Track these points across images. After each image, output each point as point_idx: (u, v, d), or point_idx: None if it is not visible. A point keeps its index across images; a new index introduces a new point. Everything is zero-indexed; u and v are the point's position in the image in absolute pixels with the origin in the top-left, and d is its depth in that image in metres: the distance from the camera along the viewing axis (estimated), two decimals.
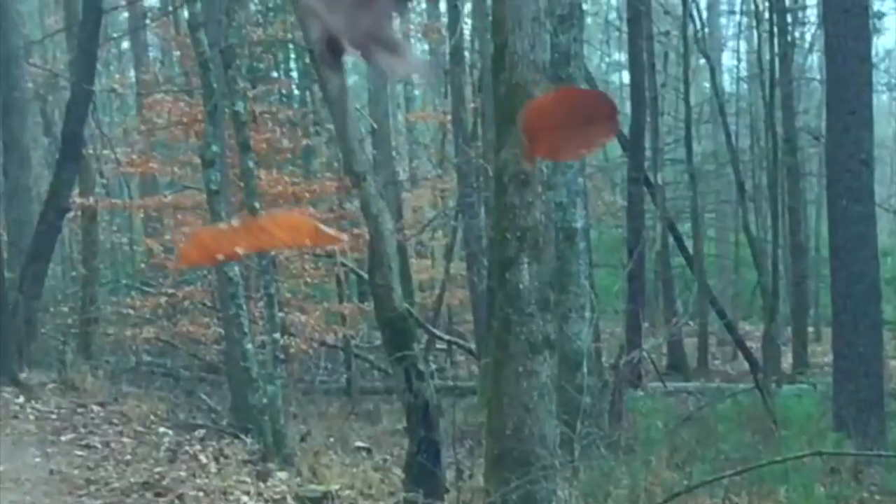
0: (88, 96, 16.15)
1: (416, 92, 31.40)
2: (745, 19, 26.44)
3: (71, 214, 17.51)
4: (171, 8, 20.92)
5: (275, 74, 22.44)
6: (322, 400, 17.45)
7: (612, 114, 1.00)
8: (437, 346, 20.29)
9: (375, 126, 20.40)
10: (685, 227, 22.03)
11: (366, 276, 17.57)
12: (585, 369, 10.23)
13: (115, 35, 24.04)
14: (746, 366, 17.27)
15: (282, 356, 12.64)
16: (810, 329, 22.47)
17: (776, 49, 18.14)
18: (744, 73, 28.55)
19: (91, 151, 19.70)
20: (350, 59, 0.95)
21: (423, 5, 28.34)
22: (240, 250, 1.00)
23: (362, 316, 19.30)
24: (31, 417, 11.24)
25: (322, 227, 1.01)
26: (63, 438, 10.48)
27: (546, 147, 1.02)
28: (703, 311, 21.31)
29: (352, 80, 25.88)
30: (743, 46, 29.14)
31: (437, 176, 25.06)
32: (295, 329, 17.37)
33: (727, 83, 28.42)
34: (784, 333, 20.57)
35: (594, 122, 0.99)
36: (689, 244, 20.10)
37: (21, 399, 11.84)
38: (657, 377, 17.60)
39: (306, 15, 0.95)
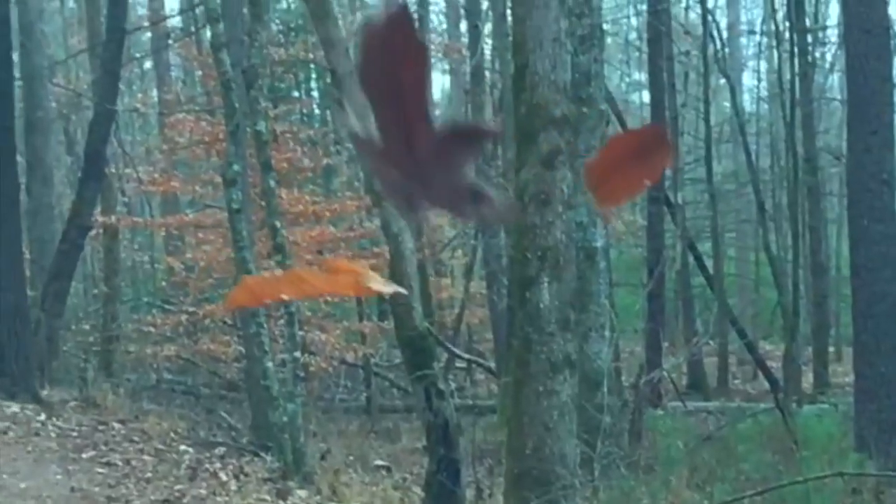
0: (111, 116, 16.26)
1: (437, 111, 31.46)
2: (765, 39, 26.42)
3: (93, 233, 17.62)
4: (193, 28, 21.07)
5: (296, 94, 22.55)
6: (342, 418, 17.47)
7: (665, 141, 1.01)
8: (457, 364, 20.28)
9: None
10: (705, 247, 22.00)
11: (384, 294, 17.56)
12: (605, 388, 10.22)
13: (137, 55, 24.22)
14: (767, 385, 17.20)
15: (302, 374, 12.67)
16: (831, 349, 22.36)
17: (797, 69, 18.12)
18: (764, 93, 28.54)
19: (113, 170, 19.84)
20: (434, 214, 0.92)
21: (444, 25, 28.48)
22: (285, 296, 1.03)
23: (382, 334, 19.34)
24: (53, 435, 11.28)
25: (370, 276, 1.03)
26: (84, 456, 10.52)
27: (613, 196, 1.02)
28: (724, 330, 21.25)
29: None
30: (763, 66, 29.12)
31: None
32: (315, 347, 17.40)
33: (747, 103, 28.43)
34: (805, 353, 20.48)
35: (651, 155, 1.00)
36: (709, 263, 20.07)
37: (43, 416, 11.89)
38: (677, 396, 17.56)
39: (376, 174, 0.93)
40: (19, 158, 14.74)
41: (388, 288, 1.04)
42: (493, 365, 18.59)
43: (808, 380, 19.42)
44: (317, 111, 24.20)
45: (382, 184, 0.91)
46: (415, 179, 0.89)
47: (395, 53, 0.85)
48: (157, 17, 21.95)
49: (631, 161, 1.00)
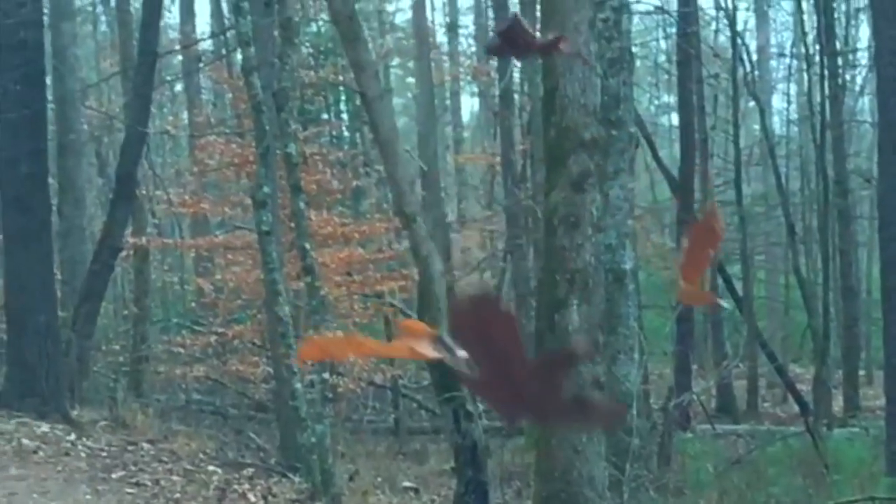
0: (142, 138, 16.39)
1: (466, 134, 31.57)
2: (795, 62, 26.40)
3: (123, 254, 17.73)
4: (224, 51, 21.22)
5: (325, 116, 22.66)
6: (370, 439, 17.47)
7: (717, 217, 1.14)
8: None
9: (425, 168, 20.52)
10: (735, 269, 21.91)
11: (413, 316, 17.62)
12: (635, 411, 10.19)
13: (169, 78, 24.39)
14: (797, 409, 17.11)
15: (330, 395, 12.69)
16: (861, 372, 22.21)
17: (827, 91, 18.08)
18: (794, 116, 28.45)
19: (144, 192, 19.98)
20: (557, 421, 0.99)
21: (473, 48, 28.58)
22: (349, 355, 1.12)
23: None
24: (83, 455, 11.34)
25: (434, 342, 1.10)
26: (114, 476, 10.56)
27: (698, 274, 1.11)
28: (753, 353, 21.14)
29: (401, 122, 26.04)
30: (793, 89, 29.05)
31: (485, 217, 25.13)
32: (343, 368, 17.43)
33: (777, 125, 28.36)
34: (835, 376, 20.35)
35: (713, 234, 1.11)
36: (738, 286, 19.99)
37: (73, 436, 11.95)
38: (706, 419, 17.47)
39: (484, 400, 1.04)
40: (51, 180, 14.86)
41: (453, 356, 1.09)
42: None
43: (838, 403, 19.29)
44: (346, 133, 24.29)
45: (489, 404, 1.02)
46: (518, 404, 0.98)
47: (486, 326, 0.97)
48: (188, 41, 22.13)
49: (707, 245, 1.11)
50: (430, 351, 1.06)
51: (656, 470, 11.32)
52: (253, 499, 10.18)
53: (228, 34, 19.97)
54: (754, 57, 24.06)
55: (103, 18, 25.65)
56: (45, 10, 14.67)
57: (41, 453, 10.86)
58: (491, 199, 25.49)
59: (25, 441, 11.06)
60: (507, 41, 1.09)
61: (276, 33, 12.01)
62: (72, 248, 16.54)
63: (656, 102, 33.43)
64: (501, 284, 21.43)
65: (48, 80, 14.86)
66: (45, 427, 11.94)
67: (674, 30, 21.07)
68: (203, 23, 30.36)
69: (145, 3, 16.24)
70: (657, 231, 26.48)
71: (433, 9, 28.79)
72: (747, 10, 30.16)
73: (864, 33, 25.91)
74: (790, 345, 25.91)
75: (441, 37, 28.77)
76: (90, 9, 25.39)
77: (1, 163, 13.32)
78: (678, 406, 13.78)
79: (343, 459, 13.93)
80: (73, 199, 16.60)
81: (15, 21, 12.48)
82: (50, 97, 15.47)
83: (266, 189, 10.77)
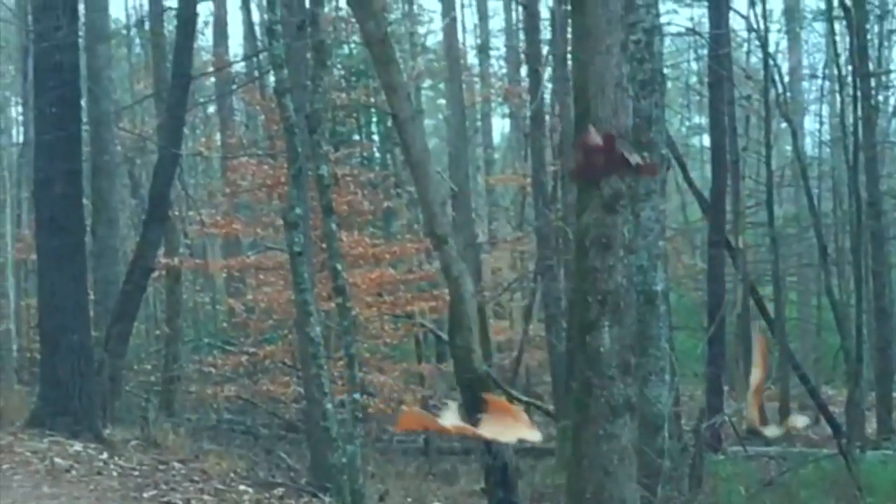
0: (175, 159, 16.52)
1: (496, 155, 31.61)
2: (827, 83, 26.30)
3: (156, 274, 17.84)
4: (256, 73, 21.37)
5: (356, 137, 22.77)
6: (400, 460, 17.47)
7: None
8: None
9: (455, 188, 20.56)
10: (766, 291, 21.81)
11: (444, 336, 17.64)
12: (666, 433, 10.15)
13: (201, 100, 24.58)
14: (829, 431, 16.98)
15: (360, 416, 12.70)
16: (895, 394, 22.02)
17: (859, 113, 17.99)
18: (826, 137, 28.31)
19: (177, 213, 20.13)
20: None
21: (505, 70, 28.64)
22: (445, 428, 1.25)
23: (440, 376, 19.35)
24: (115, 474, 11.39)
25: (519, 423, 1.25)
26: (145, 495, 10.61)
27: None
28: (785, 374, 21.02)
29: (432, 143, 26.13)
30: (825, 110, 28.92)
31: (516, 238, 25.15)
32: (373, 389, 17.46)
33: (809, 147, 28.22)
34: (868, 398, 20.19)
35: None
36: (770, 307, 19.89)
37: (105, 455, 12.01)
38: (738, 441, 17.36)
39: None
40: (85, 201, 15.00)
41: (532, 435, 1.24)
42: (551, 407, 18.51)
43: (871, 425, 19.13)
44: (377, 154, 24.39)
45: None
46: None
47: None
48: (221, 63, 22.30)
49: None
50: (522, 432, 1.22)
51: (687, 492, 11.26)
52: None
53: (261, 56, 20.12)
54: (786, 78, 24.03)
55: (137, 41, 25.88)
56: (81, 34, 14.82)
57: (74, 472, 10.93)
58: (521, 219, 25.51)
59: (58, 460, 11.13)
60: (593, 159, 1.47)
61: (308, 56, 12.10)
62: (105, 268, 16.66)
63: (687, 123, 33.37)
64: (532, 305, 21.43)
65: (83, 102, 15.00)
66: (77, 446, 12.01)
67: (705, 51, 21.05)
68: (235, 45, 30.61)
69: (179, 26, 16.39)
70: (688, 252, 26.41)
71: (464, 31, 28.91)
72: (779, 31, 30.16)
73: None
74: (823, 366, 25.73)
75: (472, 58, 28.88)
76: (124, 32, 25.63)
77: (37, 183, 13.48)
78: (710, 428, 13.71)
79: (373, 480, 13.94)
80: (106, 220, 16.73)
81: (51, 44, 12.63)
82: (84, 119, 15.62)
83: (298, 210, 10.82)
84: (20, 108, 24.30)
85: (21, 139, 23.17)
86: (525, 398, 20.25)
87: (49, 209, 12.97)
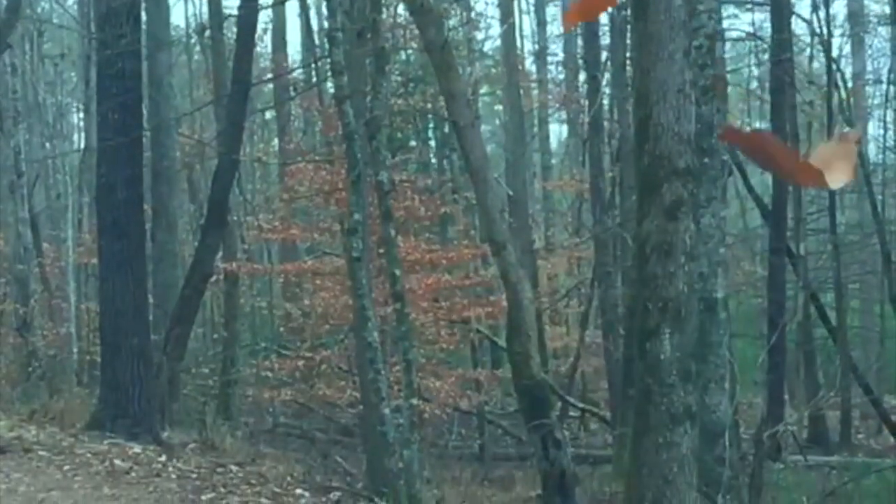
0: (234, 165, 16.63)
1: (554, 161, 31.52)
2: (892, 88, 25.90)
3: (214, 278, 17.97)
4: (314, 80, 21.47)
5: (413, 143, 22.80)
6: (455, 465, 17.44)
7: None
8: (571, 413, 20.14)
9: (513, 194, 20.53)
10: (828, 299, 21.53)
11: (500, 342, 17.61)
12: (726, 441, 10.04)
13: (260, 107, 24.74)
14: (892, 440, 16.72)
15: (416, 420, 12.70)
16: None
17: None
18: (890, 143, 27.90)
19: (235, 218, 20.26)
20: None
21: (563, 76, 28.56)
22: None
23: (496, 382, 19.30)
24: (173, 476, 11.47)
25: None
26: (203, 498, 10.67)
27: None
28: (846, 383, 20.73)
29: (489, 149, 26.10)
30: (890, 115, 28.50)
31: (573, 244, 25.06)
32: (429, 394, 17.45)
33: (873, 152, 27.80)
34: None
35: None
36: (831, 315, 19.63)
37: (163, 458, 12.10)
38: (798, 450, 17.15)
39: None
40: (145, 206, 15.14)
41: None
42: (607, 415, 18.41)
43: None
44: (433, 160, 24.41)
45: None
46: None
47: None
48: (280, 70, 22.44)
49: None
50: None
51: (747, 502, 11.13)
52: None
53: (319, 63, 20.21)
54: (850, 83, 23.71)
55: (197, 48, 26.11)
56: (143, 41, 14.98)
57: (133, 474, 11.02)
58: (579, 225, 25.42)
59: (118, 462, 11.24)
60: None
61: (367, 62, 12.14)
62: (164, 272, 16.81)
63: (748, 129, 33.05)
64: (588, 311, 21.33)
65: (144, 109, 15.16)
66: (136, 448, 12.12)
67: (767, 56, 20.85)
68: (294, 51, 30.80)
69: (239, 34, 16.52)
70: (748, 259, 26.15)
71: (522, 36, 28.83)
72: (842, 36, 29.74)
73: None
74: (885, 375, 25.34)
75: (530, 64, 28.82)
76: (185, 39, 25.87)
77: (99, 188, 13.64)
78: (770, 436, 13.55)
79: (429, 485, 13.92)
80: (166, 225, 16.89)
81: (114, 52, 12.78)
82: (145, 125, 15.78)
83: (357, 216, 10.86)
84: (81, 115, 24.60)
85: (82, 145, 23.45)
86: (581, 405, 20.16)
87: (111, 214, 13.10)
